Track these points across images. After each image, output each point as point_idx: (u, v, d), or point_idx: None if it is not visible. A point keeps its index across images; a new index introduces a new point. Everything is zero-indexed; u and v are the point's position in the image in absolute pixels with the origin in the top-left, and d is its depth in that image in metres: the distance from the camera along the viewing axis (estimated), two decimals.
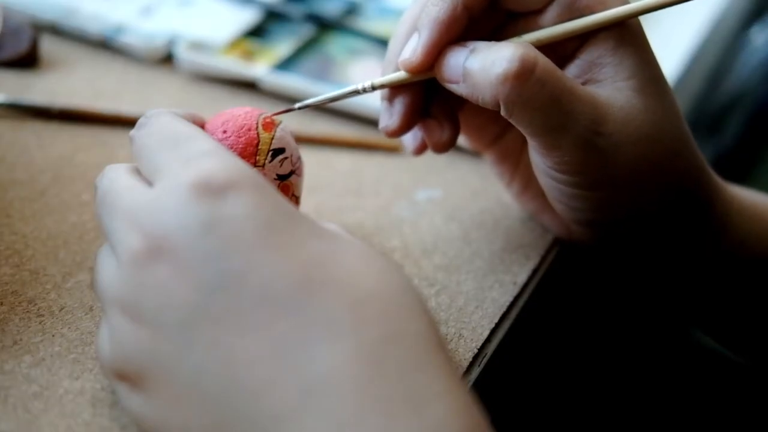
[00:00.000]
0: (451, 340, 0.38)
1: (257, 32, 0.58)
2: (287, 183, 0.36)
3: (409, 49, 0.37)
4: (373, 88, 0.38)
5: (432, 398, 0.26)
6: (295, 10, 0.60)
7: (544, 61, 0.34)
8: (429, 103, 0.40)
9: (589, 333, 0.65)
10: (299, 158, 0.37)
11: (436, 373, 0.27)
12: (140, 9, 0.58)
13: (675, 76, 0.64)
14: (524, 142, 0.42)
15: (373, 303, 0.27)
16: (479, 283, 0.41)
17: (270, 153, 0.35)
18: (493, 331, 0.39)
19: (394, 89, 0.39)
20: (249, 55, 0.55)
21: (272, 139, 0.36)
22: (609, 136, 0.35)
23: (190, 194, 0.28)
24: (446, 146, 0.40)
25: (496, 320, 0.39)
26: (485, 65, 0.34)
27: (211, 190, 0.28)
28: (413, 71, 0.37)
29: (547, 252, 0.45)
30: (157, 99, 0.53)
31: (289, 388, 0.26)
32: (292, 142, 0.37)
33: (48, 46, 0.55)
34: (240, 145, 0.35)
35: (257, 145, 0.35)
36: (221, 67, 0.54)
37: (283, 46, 0.57)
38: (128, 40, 0.55)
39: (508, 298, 0.41)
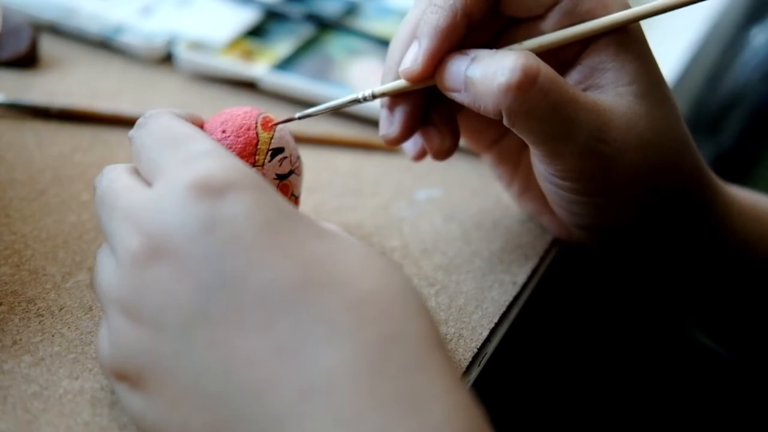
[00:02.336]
0: (451, 340, 0.38)
1: (257, 32, 0.58)
2: (286, 182, 0.36)
3: (409, 58, 0.36)
4: (374, 96, 0.38)
5: (431, 398, 0.26)
6: (295, 10, 0.60)
7: (546, 69, 0.34)
8: (429, 110, 0.40)
9: (588, 333, 0.65)
10: (298, 158, 0.37)
11: (435, 373, 0.27)
12: (140, 9, 0.58)
13: (674, 76, 0.64)
14: (524, 144, 0.42)
15: (373, 303, 0.27)
16: (479, 283, 0.41)
17: (269, 152, 0.35)
18: (492, 331, 0.39)
19: (395, 97, 0.38)
20: (249, 55, 0.55)
21: (271, 138, 0.36)
22: (612, 143, 0.35)
23: (189, 194, 0.28)
24: (446, 154, 0.40)
25: (495, 320, 0.39)
26: (487, 75, 0.34)
27: (210, 191, 0.28)
28: (414, 80, 0.36)
29: (547, 252, 0.45)
30: (157, 99, 0.53)
31: (290, 388, 0.26)
32: (292, 142, 0.37)
33: (47, 45, 0.55)
34: (239, 145, 0.35)
35: (256, 144, 0.35)
36: (221, 67, 0.54)
37: (282, 45, 0.57)
38: (128, 39, 0.55)
39: (507, 298, 0.41)
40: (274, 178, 0.36)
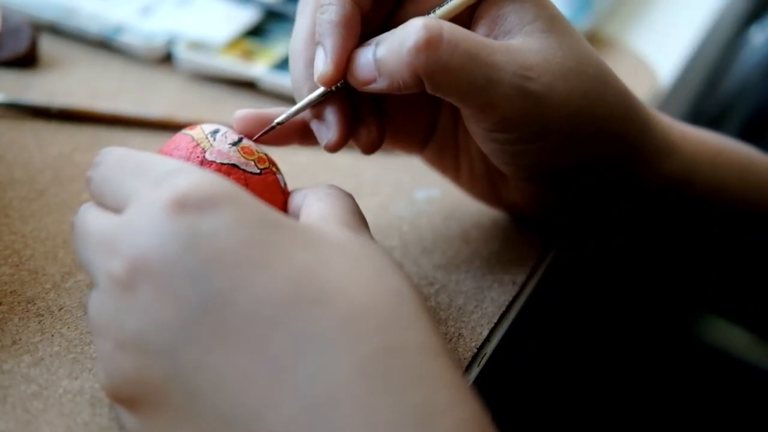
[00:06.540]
0: (451, 340, 0.38)
1: (256, 32, 0.58)
2: (245, 146, 0.36)
3: (319, 62, 0.36)
4: (338, 89, 0.37)
5: (438, 411, 0.25)
6: (295, 10, 0.60)
7: (448, 25, 0.33)
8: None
9: (588, 332, 0.65)
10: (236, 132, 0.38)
11: (438, 384, 0.26)
12: (139, 9, 0.58)
13: (674, 76, 0.64)
14: (458, 124, 0.41)
15: (366, 316, 0.27)
16: (478, 283, 0.41)
17: (208, 135, 0.36)
18: (492, 331, 0.39)
19: (320, 105, 0.37)
20: (248, 55, 0.55)
21: (201, 129, 0.36)
22: (538, 79, 0.34)
23: (167, 212, 0.27)
24: (374, 147, 0.39)
25: (495, 319, 0.39)
26: (393, 47, 0.34)
27: (189, 207, 0.27)
28: (331, 82, 0.36)
29: (546, 251, 0.45)
30: (157, 99, 0.53)
31: (289, 407, 0.25)
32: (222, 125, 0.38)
33: (47, 45, 0.55)
34: (182, 151, 0.35)
35: (193, 139, 0.36)
36: (220, 67, 0.54)
37: (282, 45, 0.57)
38: (127, 39, 0.55)
39: (507, 297, 0.41)
40: (231, 145, 0.36)
